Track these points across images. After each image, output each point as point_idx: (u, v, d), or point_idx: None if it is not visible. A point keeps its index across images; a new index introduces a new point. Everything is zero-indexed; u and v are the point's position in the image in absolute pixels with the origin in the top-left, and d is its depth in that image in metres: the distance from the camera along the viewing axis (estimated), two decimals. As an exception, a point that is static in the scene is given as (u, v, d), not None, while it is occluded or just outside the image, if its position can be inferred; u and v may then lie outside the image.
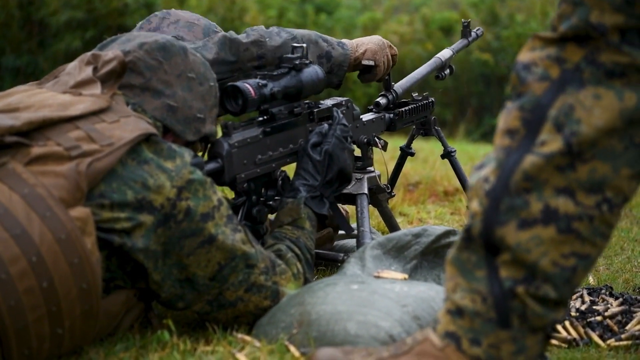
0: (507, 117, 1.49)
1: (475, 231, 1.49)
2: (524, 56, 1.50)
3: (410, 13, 14.63)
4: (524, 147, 1.46)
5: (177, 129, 2.01)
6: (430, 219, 3.63)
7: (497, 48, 12.17)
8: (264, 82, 2.20)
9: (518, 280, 1.46)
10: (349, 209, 2.88)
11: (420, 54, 12.24)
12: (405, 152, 2.89)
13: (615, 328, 2.11)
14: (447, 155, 2.89)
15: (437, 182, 4.38)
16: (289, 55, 2.29)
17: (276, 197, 2.29)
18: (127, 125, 1.85)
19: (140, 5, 11.33)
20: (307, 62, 2.31)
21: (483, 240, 1.48)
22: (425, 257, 2.27)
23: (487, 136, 11.12)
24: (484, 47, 12.10)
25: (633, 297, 2.32)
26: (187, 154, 1.90)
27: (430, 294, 1.94)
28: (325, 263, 2.68)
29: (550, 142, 1.44)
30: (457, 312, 1.51)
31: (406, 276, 2.09)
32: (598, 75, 1.42)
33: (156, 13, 2.73)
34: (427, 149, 5.92)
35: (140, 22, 2.70)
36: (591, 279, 2.67)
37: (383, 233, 3.01)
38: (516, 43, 11.97)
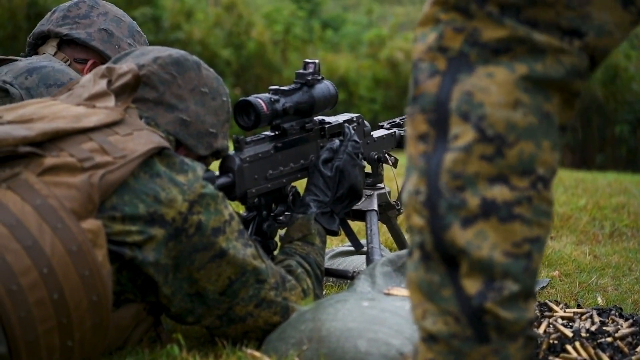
0: (412, 123, 1.47)
1: (428, 246, 1.45)
2: (414, 52, 1.48)
3: (416, 30, 14.64)
4: (440, 148, 1.43)
5: (190, 143, 2.01)
6: (437, 236, 3.61)
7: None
8: (276, 97, 2.20)
9: (482, 293, 1.42)
10: (358, 225, 2.87)
11: (425, 71, 12.24)
12: (415, 170, 2.88)
13: (626, 350, 2.10)
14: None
15: (444, 199, 4.37)
16: (301, 71, 2.30)
17: (286, 213, 2.29)
18: (140, 139, 1.85)
19: (147, 18, 11.39)
20: (319, 77, 2.31)
21: (439, 254, 1.44)
22: (435, 275, 2.26)
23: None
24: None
25: (643, 318, 2.31)
26: (199, 168, 1.90)
27: (440, 312, 1.93)
28: (333, 279, 2.68)
29: (463, 134, 1.41)
30: (430, 338, 1.47)
31: (416, 294, 2.08)
32: (484, 54, 1.41)
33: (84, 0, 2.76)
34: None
35: (67, 4, 2.73)
36: (600, 300, 2.66)
37: (391, 250, 3.01)
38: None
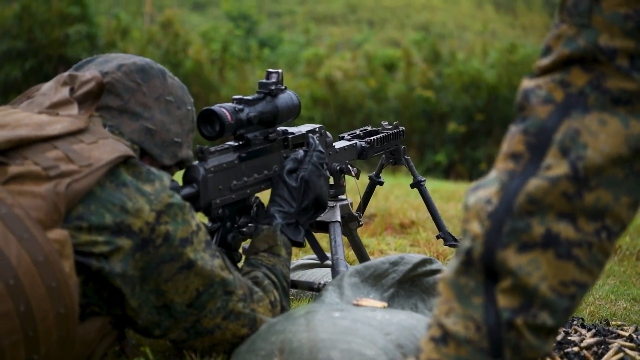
0: (510, 140, 1.48)
1: (476, 254, 1.46)
2: (528, 83, 1.49)
3: (353, 50, 14.77)
4: (528, 171, 1.44)
5: (155, 152, 1.97)
6: (391, 250, 3.62)
7: (438, 85, 12.33)
8: (240, 106, 2.17)
9: (516, 311, 1.43)
10: (321, 236, 2.85)
11: (363, 89, 12.34)
12: (375, 181, 2.88)
13: (592, 359, 2.12)
14: (417, 184, 2.88)
15: (393, 214, 4.38)
16: (265, 81, 2.27)
17: (250, 224, 2.25)
18: (106, 147, 1.80)
19: (82, 36, 11.23)
20: (282, 87, 2.29)
21: (483, 264, 1.45)
22: (402, 286, 2.25)
23: (429, 172, 11.21)
24: (426, 84, 12.25)
25: (605, 328, 2.33)
26: (166, 178, 1.85)
27: (411, 322, 1.92)
28: (295, 292, 2.64)
29: (556, 167, 1.42)
30: (442, 339, 1.48)
31: (385, 304, 2.07)
32: (603, 101, 1.41)
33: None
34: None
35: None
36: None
37: (350, 263, 2.99)
38: (458, 80, 12.15)
